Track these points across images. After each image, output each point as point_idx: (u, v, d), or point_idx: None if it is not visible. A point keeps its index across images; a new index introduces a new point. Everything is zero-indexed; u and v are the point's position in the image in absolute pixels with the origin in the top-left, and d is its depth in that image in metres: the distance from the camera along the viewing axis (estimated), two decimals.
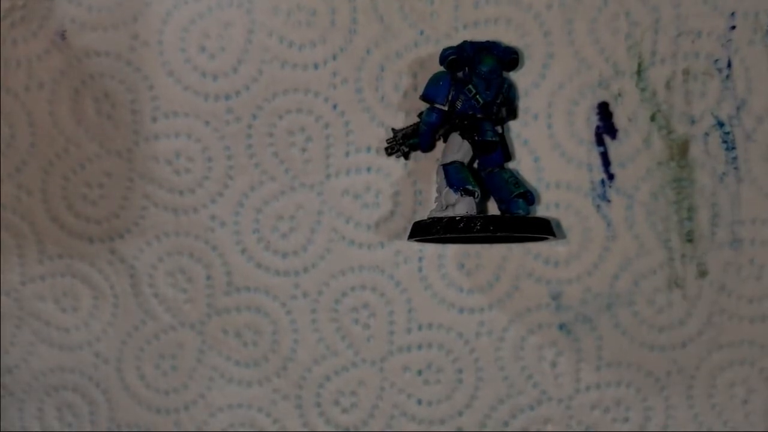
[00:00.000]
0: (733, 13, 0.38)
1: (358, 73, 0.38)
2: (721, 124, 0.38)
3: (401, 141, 0.38)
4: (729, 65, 0.38)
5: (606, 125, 0.38)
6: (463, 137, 0.37)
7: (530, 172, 0.39)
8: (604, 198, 0.39)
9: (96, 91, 0.37)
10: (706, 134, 0.38)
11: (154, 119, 0.37)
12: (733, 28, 0.38)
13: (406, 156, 0.39)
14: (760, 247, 0.39)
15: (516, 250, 0.39)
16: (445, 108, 0.37)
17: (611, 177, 0.39)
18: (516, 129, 0.39)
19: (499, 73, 0.37)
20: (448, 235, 0.36)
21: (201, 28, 0.37)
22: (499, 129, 0.38)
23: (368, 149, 0.39)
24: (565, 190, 0.39)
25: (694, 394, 0.39)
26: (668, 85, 0.38)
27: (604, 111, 0.38)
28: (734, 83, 0.38)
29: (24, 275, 0.39)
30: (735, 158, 0.38)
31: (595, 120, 0.38)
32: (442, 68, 0.37)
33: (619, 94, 0.38)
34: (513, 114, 0.38)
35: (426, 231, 0.36)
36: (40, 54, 0.37)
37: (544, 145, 0.39)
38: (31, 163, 0.38)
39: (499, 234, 0.35)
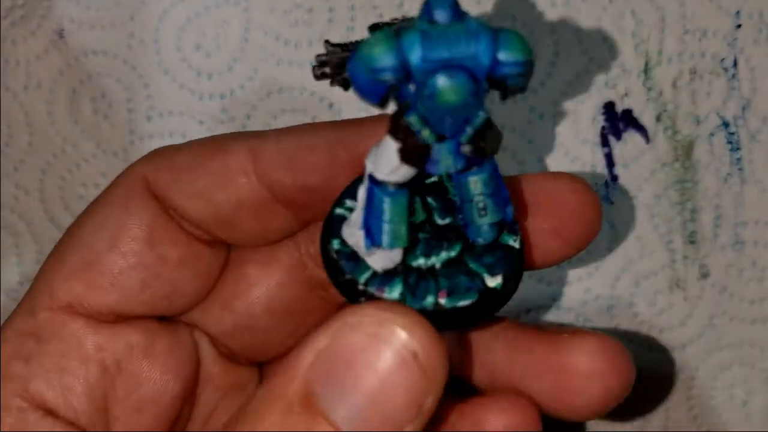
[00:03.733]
0: (738, 12, 0.37)
1: None
2: (726, 125, 0.38)
3: (336, 70, 0.26)
4: (735, 64, 0.37)
5: (611, 126, 0.38)
6: (402, 159, 0.24)
7: (534, 172, 0.38)
8: (608, 200, 0.38)
9: (93, 90, 0.37)
10: (711, 135, 0.38)
11: (149, 118, 0.37)
12: (739, 26, 0.37)
13: (346, 87, 0.25)
14: (762, 248, 0.38)
15: None
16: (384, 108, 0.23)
17: (615, 178, 0.38)
18: (520, 128, 0.38)
19: (468, 107, 0.23)
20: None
21: (197, 26, 0.37)
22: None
23: None
24: None
25: (693, 394, 0.39)
26: (675, 85, 0.38)
27: (609, 111, 0.38)
28: (740, 83, 0.37)
29: (22, 275, 0.39)
30: (739, 159, 0.38)
31: (600, 120, 0.38)
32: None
33: (626, 94, 0.38)
34: (519, 90, 0.24)
35: (328, 267, 0.26)
36: (39, 53, 0.37)
37: (549, 145, 0.38)
38: (28, 163, 0.38)
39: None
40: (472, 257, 0.27)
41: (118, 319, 0.29)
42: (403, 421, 0.21)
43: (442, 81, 0.22)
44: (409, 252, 0.26)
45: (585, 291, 0.38)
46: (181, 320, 0.32)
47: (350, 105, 0.37)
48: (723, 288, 0.38)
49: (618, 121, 0.38)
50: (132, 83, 0.37)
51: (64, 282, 0.29)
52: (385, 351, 0.21)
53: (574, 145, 0.38)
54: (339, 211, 0.27)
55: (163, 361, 0.30)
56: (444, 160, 0.24)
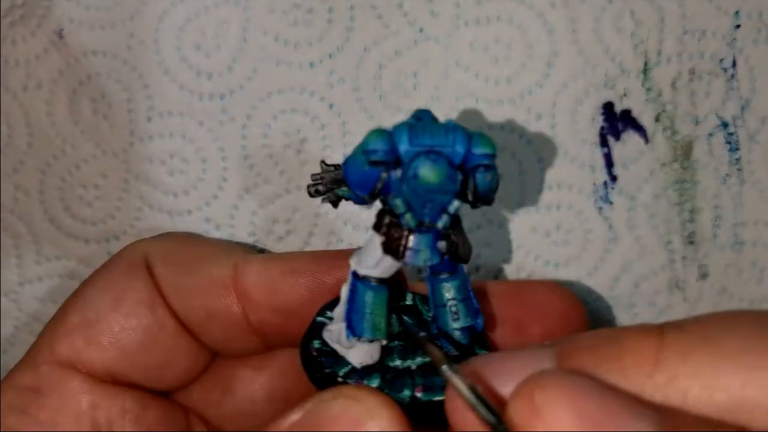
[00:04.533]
0: (737, 12, 0.37)
1: (355, 72, 0.37)
2: (725, 125, 0.38)
3: (329, 186, 0.29)
4: (734, 65, 0.37)
5: (610, 126, 0.38)
6: (385, 251, 0.27)
7: (533, 172, 0.38)
8: (606, 200, 0.38)
9: (93, 91, 0.37)
10: (710, 135, 0.38)
11: (149, 119, 0.37)
12: (738, 27, 0.37)
13: (335, 204, 0.29)
14: (762, 249, 0.38)
15: (515, 249, 0.39)
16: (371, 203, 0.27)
17: (614, 179, 0.38)
18: (519, 129, 0.38)
19: (446, 191, 0.26)
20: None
21: (197, 26, 0.37)
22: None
23: None
24: (567, 191, 0.38)
25: None
26: (674, 85, 0.38)
27: (608, 111, 0.38)
28: (739, 83, 0.37)
29: (22, 276, 0.39)
30: (738, 159, 0.38)
31: (599, 120, 0.38)
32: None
33: (625, 94, 0.38)
34: (486, 202, 0.27)
35: (308, 364, 0.29)
36: (39, 54, 0.37)
37: (547, 146, 0.38)
38: (28, 164, 0.38)
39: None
40: None
41: (114, 381, 0.30)
42: None
43: (424, 162, 0.25)
44: (386, 355, 0.28)
45: (585, 292, 0.38)
46: (176, 401, 0.32)
47: (350, 106, 0.37)
48: (722, 288, 0.38)
49: (617, 122, 0.38)
50: (132, 83, 0.37)
51: (64, 337, 0.30)
52: None
53: (573, 145, 0.38)
54: (320, 318, 0.29)
55: None
56: (423, 251, 0.26)
